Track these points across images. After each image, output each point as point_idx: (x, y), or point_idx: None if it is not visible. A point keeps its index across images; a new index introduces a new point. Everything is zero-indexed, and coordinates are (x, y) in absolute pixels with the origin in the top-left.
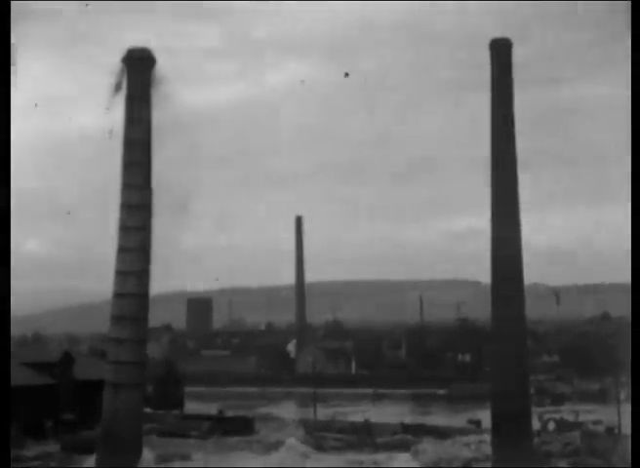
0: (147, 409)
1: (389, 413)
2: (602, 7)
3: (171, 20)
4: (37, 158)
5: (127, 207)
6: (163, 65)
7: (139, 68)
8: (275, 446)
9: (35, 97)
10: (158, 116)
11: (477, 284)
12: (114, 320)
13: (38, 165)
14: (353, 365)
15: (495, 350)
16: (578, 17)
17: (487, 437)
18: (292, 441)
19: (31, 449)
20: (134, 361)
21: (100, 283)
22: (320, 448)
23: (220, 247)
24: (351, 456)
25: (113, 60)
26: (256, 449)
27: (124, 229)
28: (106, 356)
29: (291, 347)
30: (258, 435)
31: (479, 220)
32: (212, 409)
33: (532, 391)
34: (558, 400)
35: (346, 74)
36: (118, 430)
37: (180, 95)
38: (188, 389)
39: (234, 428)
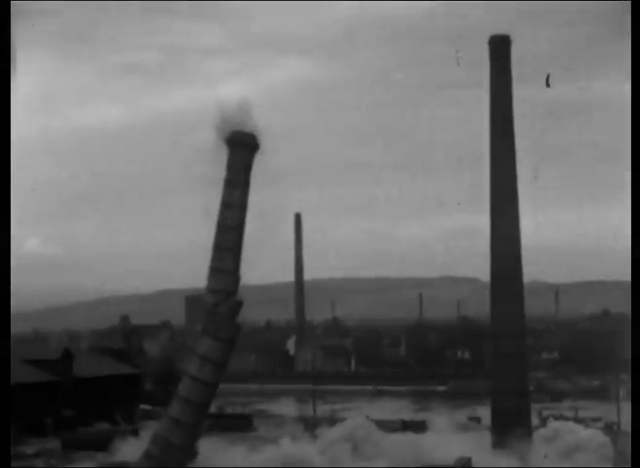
0: (146, 406)
1: (389, 410)
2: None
3: (171, 19)
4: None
5: (213, 291)
6: (164, 65)
7: (241, 152)
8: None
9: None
10: None
11: (477, 281)
12: (200, 359)
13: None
14: (353, 362)
15: (494, 347)
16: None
17: (487, 433)
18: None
19: (32, 446)
20: (221, 362)
21: (98, 281)
22: None
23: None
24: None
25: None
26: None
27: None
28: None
29: (290, 345)
30: (256, 432)
31: (478, 218)
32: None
33: (531, 388)
34: (558, 397)
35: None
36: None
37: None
38: None
39: (233, 425)
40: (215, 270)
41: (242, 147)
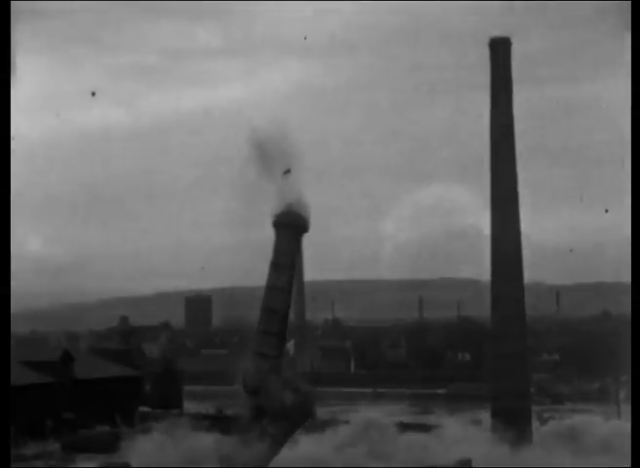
0: (146, 408)
1: (389, 413)
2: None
3: (170, 21)
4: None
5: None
6: (162, 66)
7: (289, 235)
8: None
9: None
10: None
11: (477, 282)
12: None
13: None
14: (352, 364)
15: (495, 349)
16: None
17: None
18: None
19: (31, 448)
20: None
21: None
22: None
23: (219, 245)
24: None
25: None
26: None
27: None
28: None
29: (289, 346)
30: None
31: (479, 219)
32: (210, 407)
33: (532, 390)
34: (558, 399)
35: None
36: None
37: None
38: (187, 388)
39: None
40: (258, 354)
41: (291, 229)
